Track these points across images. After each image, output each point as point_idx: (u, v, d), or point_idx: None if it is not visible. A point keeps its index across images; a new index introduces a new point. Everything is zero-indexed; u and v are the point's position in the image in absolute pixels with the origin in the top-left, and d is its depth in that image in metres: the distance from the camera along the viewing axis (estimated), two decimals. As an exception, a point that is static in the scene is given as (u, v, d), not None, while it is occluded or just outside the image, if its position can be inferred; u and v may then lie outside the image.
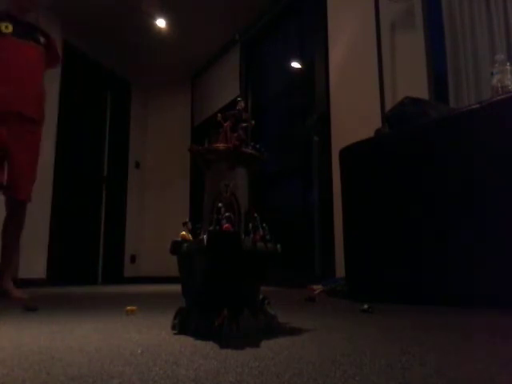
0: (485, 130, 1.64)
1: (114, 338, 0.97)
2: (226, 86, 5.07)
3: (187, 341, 0.91)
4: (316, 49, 3.74)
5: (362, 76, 3.11)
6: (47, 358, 0.75)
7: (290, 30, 4.38)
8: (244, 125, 1.19)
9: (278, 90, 4.51)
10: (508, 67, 1.79)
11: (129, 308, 1.49)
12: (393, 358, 0.71)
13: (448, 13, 2.53)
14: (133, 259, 5.61)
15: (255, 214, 1.11)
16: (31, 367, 0.68)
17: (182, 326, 1.03)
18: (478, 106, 1.69)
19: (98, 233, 5.16)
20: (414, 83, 2.72)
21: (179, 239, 1.09)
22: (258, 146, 1.16)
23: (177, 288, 1.17)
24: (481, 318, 1.31)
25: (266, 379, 0.58)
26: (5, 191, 2.31)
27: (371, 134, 2.25)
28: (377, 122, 2.67)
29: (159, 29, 4.83)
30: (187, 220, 1.15)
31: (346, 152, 2.25)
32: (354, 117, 3.12)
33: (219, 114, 1.18)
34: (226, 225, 0.99)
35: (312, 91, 3.72)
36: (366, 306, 1.47)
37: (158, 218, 5.67)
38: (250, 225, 1.08)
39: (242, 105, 1.22)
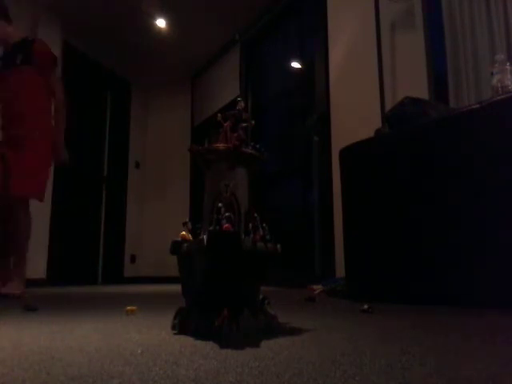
0: (485, 130, 1.64)
1: (114, 338, 0.97)
2: (226, 86, 5.07)
3: (187, 341, 0.91)
4: (316, 49, 3.74)
5: (361, 76, 3.11)
6: (47, 358, 0.75)
7: (290, 30, 4.38)
8: (244, 125, 1.18)
9: (278, 90, 4.51)
10: (508, 67, 1.79)
11: (129, 308, 1.49)
12: (393, 357, 0.71)
13: (448, 13, 2.53)
14: (133, 259, 5.61)
15: (255, 214, 1.11)
16: (31, 367, 0.68)
17: (182, 326, 1.03)
18: (477, 105, 1.69)
19: (98, 233, 5.16)
20: (414, 83, 2.72)
21: (179, 239, 1.09)
22: (257, 145, 1.16)
23: (177, 288, 1.17)
24: (481, 317, 1.30)
25: (265, 379, 0.58)
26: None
27: (371, 134, 2.25)
28: (377, 122, 2.67)
29: (159, 29, 4.84)
30: (187, 220, 1.15)
31: (346, 152, 2.25)
32: (354, 117, 3.12)
33: (219, 114, 1.18)
34: (226, 225, 0.99)
35: (312, 91, 3.72)
36: (365, 306, 1.47)
37: (157, 218, 5.67)
38: (250, 225, 1.07)
39: (242, 105, 1.22)
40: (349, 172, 2.22)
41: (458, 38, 2.45)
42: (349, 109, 3.22)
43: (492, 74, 1.84)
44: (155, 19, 4.69)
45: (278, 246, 1.12)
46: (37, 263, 4.14)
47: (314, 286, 2.65)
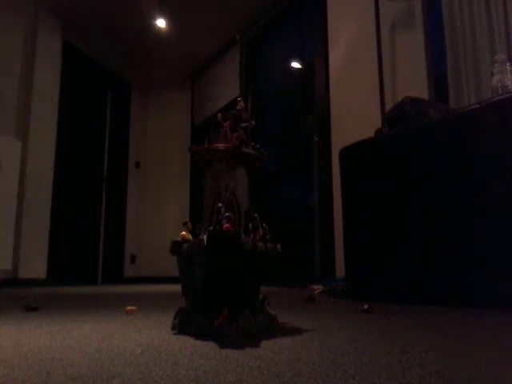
0: (485, 130, 1.64)
1: (113, 338, 0.97)
2: (226, 86, 5.07)
3: (187, 341, 0.91)
4: (316, 49, 3.74)
5: (361, 76, 3.11)
6: (47, 358, 0.75)
7: (290, 30, 4.38)
8: (244, 125, 1.18)
9: (278, 90, 4.51)
10: (508, 67, 1.79)
11: (129, 308, 1.49)
12: (393, 357, 0.71)
13: (448, 13, 2.53)
14: (133, 259, 5.61)
15: (255, 214, 1.11)
16: (31, 367, 0.67)
17: (182, 326, 1.03)
18: (477, 106, 1.69)
19: (98, 233, 5.16)
20: (414, 83, 2.72)
21: (179, 239, 1.09)
22: (258, 146, 1.16)
23: (177, 288, 1.17)
24: (481, 317, 1.30)
25: (265, 379, 0.58)
26: None
27: (371, 134, 2.25)
28: (377, 122, 2.67)
29: (159, 29, 4.83)
30: (187, 220, 1.15)
31: (345, 152, 2.25)
32: (353, 117, 3.12)
33: (219, 114, 1.18)
34: (226, 225, 0.99)
35: (312, 91, 3.72)
36: (365, 306, 1.47)
37: (158, 218, 5.67)
38: (250, 225, 1.08)
39: (242, 105, 1.22)
40: (349, 172, 2.22)
41: (457, 38, 2.45)
42: (349, 109, 3.22)
43: (492, 74, 1.84)
44: (155, 19, 4.69)
45: (278, 245, 1.12)
46: (37, 263, 4.15)
47: (314, 286, 2.65)
